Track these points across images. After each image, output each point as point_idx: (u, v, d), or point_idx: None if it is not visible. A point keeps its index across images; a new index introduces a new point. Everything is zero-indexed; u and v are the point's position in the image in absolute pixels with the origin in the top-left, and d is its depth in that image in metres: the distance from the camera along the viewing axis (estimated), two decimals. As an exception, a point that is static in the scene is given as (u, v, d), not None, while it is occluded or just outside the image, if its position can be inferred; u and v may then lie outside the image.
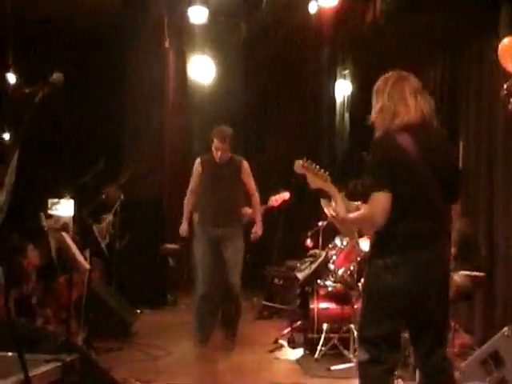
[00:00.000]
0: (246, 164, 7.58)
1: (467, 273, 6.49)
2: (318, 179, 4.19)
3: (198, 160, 7.57)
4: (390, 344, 3.87)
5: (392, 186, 3.75)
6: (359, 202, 4.12)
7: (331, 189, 4.16)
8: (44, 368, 3.65)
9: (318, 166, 4.21)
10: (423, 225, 3.83)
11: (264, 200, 8.31)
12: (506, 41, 6.38)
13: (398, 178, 3.77)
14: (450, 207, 4.04)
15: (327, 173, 4.21)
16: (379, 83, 4.08)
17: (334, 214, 4.08)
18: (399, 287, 3.80)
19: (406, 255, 3.80)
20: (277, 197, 8.18)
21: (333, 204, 4.12)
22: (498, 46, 6.41)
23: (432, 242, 3.85)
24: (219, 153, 7.31)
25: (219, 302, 7.52)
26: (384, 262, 3.82)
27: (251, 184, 7.58)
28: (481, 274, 6.59)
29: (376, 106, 4.02)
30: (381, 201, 3.76)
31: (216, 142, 7.31)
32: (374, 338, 3.86)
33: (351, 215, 3.98)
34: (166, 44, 10.74)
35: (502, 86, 6.48)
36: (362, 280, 4.39)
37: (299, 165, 4.23)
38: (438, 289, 3.88)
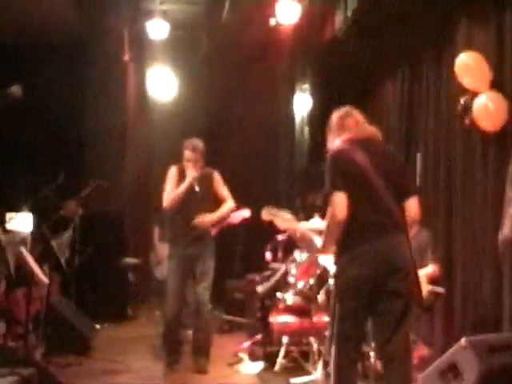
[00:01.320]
0: (217, 175, 7.31)
1: (429, 287, 6.62)
2: (285, 222, 5.24)
3: (174, 168, 7.25)
4: (356, 335, 4.43)
5: (345, 188, 4.35)
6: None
7: (297, 227, 5.27)
8: (1, 382, 3.63)
9: (281, 210, 5.28)
10: (375, 219, 4.38)
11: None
12: (462, 56, 6.48)
13: (349, 181, 4.38)
14: (402, 206, 4.54)
15: (289, 214, 5.29)
16: (331, 120, 4.84)
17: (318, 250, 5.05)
18: (362, 275, 4.31)
19: (363, 247, 4.33)
20: (237, 214, 8.13)
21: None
22: (455, 61, 6.51)
23: (385, 234, 4.38)
24: (190, 164, 7.10)
25: (184, 322, 7.46)
26: (347, 257, 4.38)
27: (225, 193, 7.30)
28: (441, 290, 6.72)
29: (328, 136, 4.84)
30: (338, 199, 4.33)
31: (187, 154, 7.13)
32: (345, 331, 4.40)
33: (322, 236, 4.63)
34: (126, 57, 10.73)
35: (459, 101, 6.58)
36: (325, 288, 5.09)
37: (265, 212, 5.28)
38: (397, 276, 4.34)
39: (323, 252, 4.95)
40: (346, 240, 4.40)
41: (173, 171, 7.25)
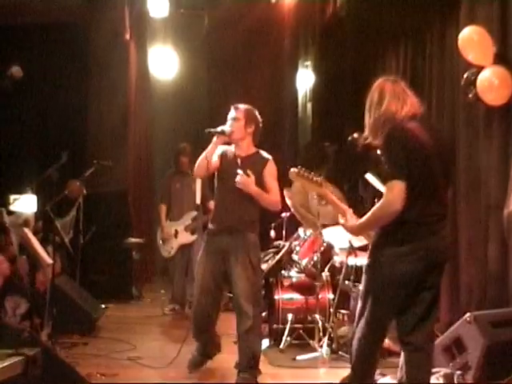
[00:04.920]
0: (271, 163, 6.04)
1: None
2: (313, 185, 4.40)
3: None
4: (388, 325, 4.27)
5: (407, 173, 3.94)
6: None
7: (328, 194, 4.43)
8: (6, 362, 3.64)
9: (312, 173, 4.40)
10: (430, 210, 4.05)
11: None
12: (465, 31, 6.43)
13: (413, 166, 3.96)
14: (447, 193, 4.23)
15: (321, 177, 4.41)
16: (372, 95, 4.27)
17: (347, 227, 4.35)
18: (411, 273, 4.03)
19: (417, 243, 4.02)
20: None
21: (340, 220, 4.38)
22: (458, 36, 6.46)
23: (438, 227, 4.09)
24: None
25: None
26: (396, 251, 4.04)
27: (273, 185, 5.96)
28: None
29: (375, 112, 4.21)
30: (399, 188, 3.93)
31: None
32: (380, 322, 4.21)
33: (364, 219, 4.17)
34: (127, 36, 10.67)
35: (462, 76, 6.54)
36: (366, 263, 4.26)
37: (294, 173, 4.40)
38: (438, 270, 4.18)
39: (356, 233, 4.54)
40: (398, 232, 4.03)
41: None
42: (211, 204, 8.73)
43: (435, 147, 4.09)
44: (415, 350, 4.17)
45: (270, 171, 5.90)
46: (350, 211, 4.35)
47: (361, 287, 4.45)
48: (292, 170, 4.40)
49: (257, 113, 6.01)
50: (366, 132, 4.28)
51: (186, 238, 8.89)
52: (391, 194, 3.96)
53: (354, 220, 4.29)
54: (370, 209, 4.14)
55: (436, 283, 4.20)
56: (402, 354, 4.29)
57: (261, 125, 5.98)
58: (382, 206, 4.01)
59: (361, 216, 4.25)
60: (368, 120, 4.27)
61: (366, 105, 4.29)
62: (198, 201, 8.76)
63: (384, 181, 4.05)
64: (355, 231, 4.41)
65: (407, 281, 4.05)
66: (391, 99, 4.17)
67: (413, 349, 4.18)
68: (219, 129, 5.84)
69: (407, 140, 4.02)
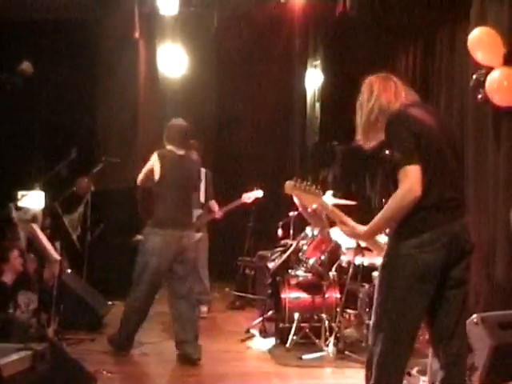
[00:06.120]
0: None
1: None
2: (311, 197, 4.15)
3: None
4: (412, 334, 3.79)
5: (419, 156, 3.68)
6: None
7: (326, 206, 4.17)
8: (14, 356, 3.66)
9: (308, 183, 4.14)
10: (448, 195, 3.76)
11: (237, 194, 8.48)
12: (475, 32, 6.43)
13: (423, 149, 3.71)
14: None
15: (319, 187, 4.16)
16: (361, 94, 4.11)
17: (354, 234, 4.04)
18: (437, 262, 3.69)
19: (437, 230, 3.70)
20: (250, 194, 8.36)
21: (342, 228, 4.05)
22: (468, 37, 6.46)
23: (458, 213, 3.80)
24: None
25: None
26: (418, 241, 3.70)
27: None
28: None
29: (367, 107, 4.03)
30: (415, 172, 3.65)
31: None
32: (410, 329, 3.76)
33: (376, 218, 3.84)
34: (136, 34, 10.68)
35: (471, 77, 6.54)
36: (381, 263, 3.90)
37: (290, 186, 4.15)
38: (465, 262, 3.82)
39: (367, 236, 4.07)
40: (414, 221, 3.70)
41: None
42: (212, 204, 8.85)
43: (441, 130, 3.87)
44: (455, 360, 3.81)
45: None
46: (348, 218, 4.05)
47: (374, 297, 3.97)
48: (288, 182, 4.15)
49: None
50: (358, 135, 4.08)
51: (191, 236, 8.88)
52: (407, 180, 3.65)
53: (359, 226, 3.98)
54: (377, 208, 3.99)
55: (465, 278, 3.84)
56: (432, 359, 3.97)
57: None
58: (401, 194, 3.68)
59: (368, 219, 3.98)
60: (359, 121, 4.07)
61: (356, 106, 4.12)
62: (203, 199, 8.80)
63: (395, 169, 3.71)
64: (367, 234, 3.99)
65: (434, 272, 3.70)
66: (381, 92, 4.00)
67: (453, 360, 3.81)
68: None
69: (410, 123, 3.79)
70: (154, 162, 6.78)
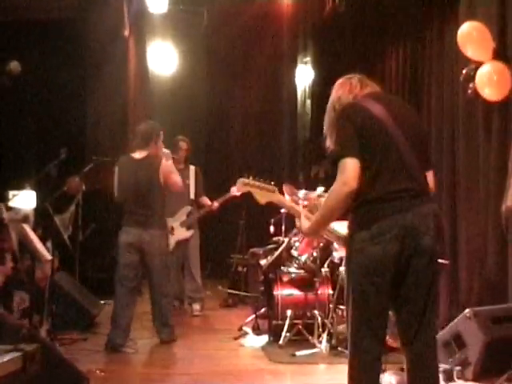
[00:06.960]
0: None
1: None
2: (265, 193, 4.11)
3: None
4: (376, 327, 3.68)
5: (362, 151, 3.60)
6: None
7: (281, 200, 4.16)
8: (5, 358, 3.64)
9: (261, 180, 4.11)
10: (398, 186, 3.62)
11: (228, 190, 8.48)
12: (465, 27, 6.43)
13: (366, 139, 3.62)
14: (425, 175, 3.82)
15: (272, 183, 4.12)
16: (333, 89, 4.05)
17: (302, 231, 4.01)
18: (384, 254, 3.57)
19: (386, 221, 3.58)
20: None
21: (297, 223, 4.04)
22: (457, 32, 6.46)
23: (413, 204, 3.63)
24: None
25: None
26: (367, 233, 3.60)
27: None
28: (445, 261, 6.69)
29: (328, 107, 3.99)
30: (350, 165, 3.56)
31: None
32: (360, 323, 3.68)
33: (316, 214, 3.80)
34: (126, 32, 10.66)
35: (462, 72, 6.54)
36: (344, 261, 3.84)
37: (241, 183, 4.13)
38: (423, 256, 3.64)
39: (312, 233, 4.07)
40: (364, 214, 3.63)
41: None
42: (204, 199, 8.87)
43: (399, 121, 3.72)
44: (419, 358, 3.72)
45: None
46: (304, 212, 4.00)
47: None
48: (240, 179, 4.12)
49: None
50: (324, 135, 3.97)
51: (182, 233, 8.87)
52: (343, 173, 3.57)
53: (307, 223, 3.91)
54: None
55: (428, 275, 3.67)
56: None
57: None
58: (336, 189, 3.60)
59: None
60: (324, 122, 4.01)
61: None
62: (193, 196, 8.81)
63: (334, 163, 3.63)
64: (311, 231, 3.95)
65: (385, 264, 3.57)
66: (338, 89, 3.98)
67: (416, 357, 3.72)
68: None
69: (356, 113, 3.71)
70: (115, 174, 7.22)
